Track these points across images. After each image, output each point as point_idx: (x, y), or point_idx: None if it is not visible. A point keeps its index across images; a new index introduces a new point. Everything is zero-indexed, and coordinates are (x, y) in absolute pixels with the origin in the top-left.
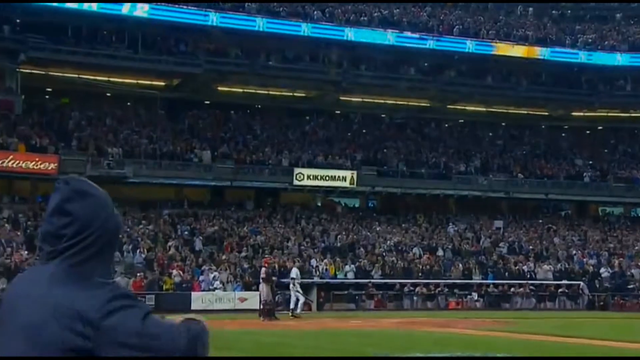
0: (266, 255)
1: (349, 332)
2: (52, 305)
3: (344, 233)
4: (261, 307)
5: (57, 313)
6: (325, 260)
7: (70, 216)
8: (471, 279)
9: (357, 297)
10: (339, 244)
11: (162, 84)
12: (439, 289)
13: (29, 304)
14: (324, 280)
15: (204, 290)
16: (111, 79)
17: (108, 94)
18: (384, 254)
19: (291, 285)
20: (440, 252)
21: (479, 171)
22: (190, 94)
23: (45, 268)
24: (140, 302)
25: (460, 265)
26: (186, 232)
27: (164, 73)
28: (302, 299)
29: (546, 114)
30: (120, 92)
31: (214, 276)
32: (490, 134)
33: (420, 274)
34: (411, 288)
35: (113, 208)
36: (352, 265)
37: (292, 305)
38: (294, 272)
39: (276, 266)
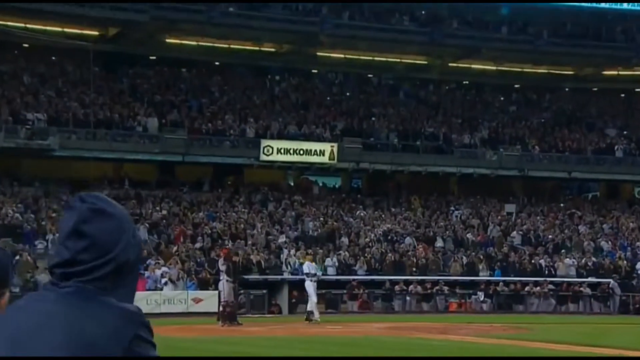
0: (226, 246)
1: (326, 340)
2: (68, 340)
3: (321, 219)
4: (220, 309)
5: (72, 346)
6: (299, 253)
7: (88, 239)
8: (477, 275)
9: (337, 298)
10: (315, 233)
11: (96, 33)
12: (437, 287)
13: (44, 337)
14: (297, 277)
15: (149, 290)
16: (29, 26)
17: (26, 45)
18: (371, 244)
19: (307, 283)
20: (439, 243)
21: (487, 144)
22: (132, 46)
23: (57, 293)
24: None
25: (464, 258)
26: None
27: (99, 20)
28: (314, 299)
29: (571, 73)
30: (42, 43)
31: (162, 272)
32: (502, 98)
33: (414, 269)
34: (403, 287)
35: (135, 229)
36: (332, 259)
37: (308, 307)
38: (308, 267)
39: (239, 259)
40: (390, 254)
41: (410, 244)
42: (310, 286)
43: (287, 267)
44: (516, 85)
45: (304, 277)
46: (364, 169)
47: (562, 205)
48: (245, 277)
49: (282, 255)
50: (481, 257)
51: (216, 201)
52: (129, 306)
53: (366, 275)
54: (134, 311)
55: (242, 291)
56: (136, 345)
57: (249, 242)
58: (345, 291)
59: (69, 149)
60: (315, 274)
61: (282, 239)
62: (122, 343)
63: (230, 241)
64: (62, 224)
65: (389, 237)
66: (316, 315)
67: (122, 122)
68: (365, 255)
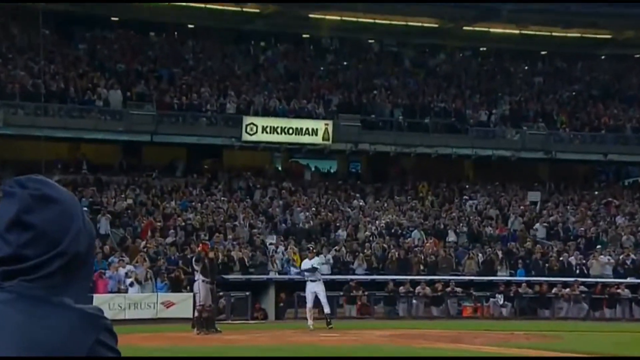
0: (203, 241)
1: (319, 350)
2: (15, 350)
3: (314, 210)
4: (196, 314)
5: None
6: (288, 249)
7: (32, 231)
8: (495, 275)
9: (332, 301)
10: (307, 226)
11: None
12: (449, 289)
13: None
14: (285, 277)
15: (111, 292)
16: None
17: None
18: (371, 239)
19: (312, 281)
20: (451, 237)
21: (508, 121)
22: (90, 6)
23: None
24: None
25: (480, 255)
26: (85, 208)
27: None
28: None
29: (608, 37)
30: None
31: (127, 271)
32: (525, 67)
33: (422, 268)
34: (409, 288)
35: (85, 215)
36: (326, 256)
37: (327, 310)
38: (317, 261)
39: (218, 256)
40: (394, 250)
41: (418, 238)
42: (307, 287)
43: (273, 266)
44: (543, 53)
45: (307, 275)
46: (363, 150)
47: (596, 193)
48: (225, 276)
49: (268, 252)
50: (500, 253)
51: (191, 188)
52: (86, 307)
53: (366, 274)
54: (93, 313)
55: (221, 293)
56: (97, 353)
57: (230, 237)
58: (341, 293)
59: (15, 127)
60: (312, 270)
61: (268, 232)
62: (80, 351)
63: (207, 235)
64: (0, 214)
65: (393, 231)
66: (308, 322)
67: (79, 95)
68: (365, 251)
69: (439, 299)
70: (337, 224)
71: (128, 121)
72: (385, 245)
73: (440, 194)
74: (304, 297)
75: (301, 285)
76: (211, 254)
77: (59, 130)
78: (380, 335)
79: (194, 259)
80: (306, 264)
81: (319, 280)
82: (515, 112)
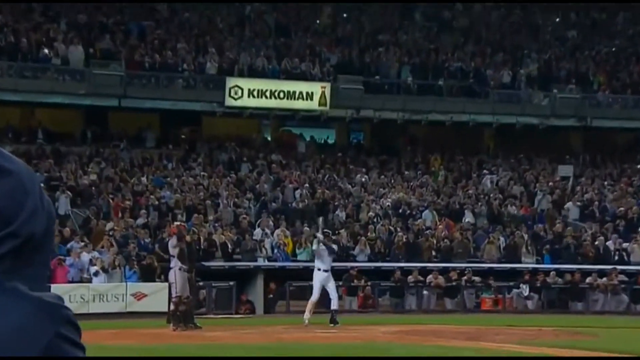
0: (180, 223)
1: (314, 348)
2: None
3: (308, 186)
4: (172, 307)
5: None
6: (278, 232)
7: None
8: (519, 262)
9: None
10: (301, 205)
11: None
12: (465, 278)
13: None
14: (275, 264)
15: (72, 282)
16: None
17: None
18: (376, 220)
19: (324, 271)
20: (468, 218)
21: (535, 83)
22: None
23: None
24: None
25: (502, 239)
26: (42, 184)
27: None
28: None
29: None
30: None
31: (91, 258)
32: (557, 19)
33: (434, 254)
34: (419, 277)
35: (42, 191)
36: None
37: (335, 305)
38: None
39: (199, 240)
40: (401, 234)
41: (430, 219)
42: (317, 276)
43: (262, 251)
44: (577, 2)
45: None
46: (366, 118)
47: (638, 166)
48: (206, 264)
49: (255, 235)
50: (525, 237)
51: (165, 162)
52: (45, 295)
53: (369, 262)
54: (53, 302)
55: (201, 283)
56: (57, 348)
57: (211, 218)
58: (340, 283)
59: None
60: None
61: (255, 213)
62: (36, 346)
63: (184, 216)
64: None
65: (400, 211)
66: (306, 314)
67: (32, 51)
68: (368, 235)
69: (454, 290)
70: (336, 204)
71: (91, 83)
72: (391, 228)
73: (456, 168)
74: (298, 288)
75: (294, 274)
76: (189, 238)
77: (8, 93)
78: (385, 331)
79: (170, 242)
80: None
81: (329, 271)
82: (545, 72)
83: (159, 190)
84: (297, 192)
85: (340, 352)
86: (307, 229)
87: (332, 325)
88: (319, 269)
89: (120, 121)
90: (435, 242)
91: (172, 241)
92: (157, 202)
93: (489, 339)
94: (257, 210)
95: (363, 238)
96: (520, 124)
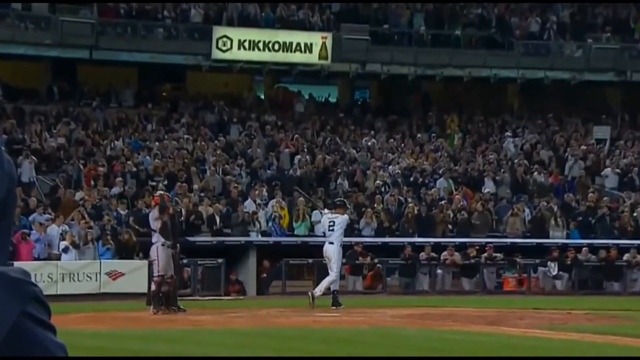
0: (161, 192)
1: (313, 335)
2: None
3: (306, 151)
4: (153, 288)
5: None
6: (273, 203)
7: None
8: (547, 237)
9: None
10: (298, 172)
11: None
12: (486, 255)
13: None
14: (270, 240)
15: (39, 259)
16: None
17: None
18: (384, 190)
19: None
20: (488, 188)
21: (567, 32)
22: None
23: None
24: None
25: (527, 211)
26: (2, 146)
27: None
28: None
29: None
30: None
31: (60, 232)
32: None
33: (450, 228)
34: (432, 254)
35: (2, 153)
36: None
37: (332, 285)
38: (342, 220)
39: (182, 212)
40: (413, 205)
41: (444, 188)
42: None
43: (254, 225)
44: None
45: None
46: (373, 73)
47: None
48: (191, 239)
49: (246, 207)
50: (554, 208)
51: (144, 122)
52: (9, 270)
53: (376, 236)
54: (18, 278)
55: (185, 261)
56: (23, 328)
57: (196, 186)
58: (344, 261)
59: None
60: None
61: (247, 181)
62: (0, 326)
63: (166, 184)
64: None
65: (412, 179)
66: (317, 290)
67: None
68: (375, 206)
69: (472, 269)
70: (338, 171)
71: (58, 31)
72: (401, 198)
73: (475, 130)
74: (294, 266)
75: (291, 249)
76: (172, 210)
77: None
78: (394, 315)
79: (151, 214)
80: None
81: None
82: (578, 19)
83: (137, 156)
84: (295, 159)
85: (343, 339)
86: (303, 199)
87: (334, 307)
88: (330, 242)
89: (92, 76)
90: (451, 214)
91: (154, 213)
92: (134, 169)
93: (511, 324)
94: (249, 179)
95: (369, 210)
96: (549, 80)
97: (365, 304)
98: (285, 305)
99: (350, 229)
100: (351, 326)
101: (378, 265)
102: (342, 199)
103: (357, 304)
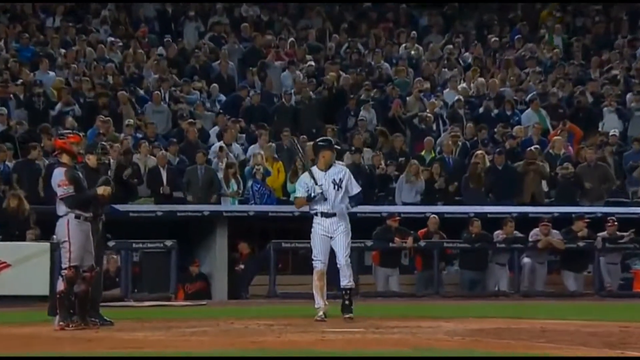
0: (68, 130)
1: None
2: None
3: (309, 65)
4: (61, 288)
5: None
6: (256, 149)
7: None
8: None
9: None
10: (294, 99)
11: None
12: (604, 234)
13: None
14: (249, 210)
15: None
16: None
17: None
18: (435, 127)
19: (326, 216)
20: (610, 123)
21: None
22: None
23: None
24: None
25: None
26: None
27: None
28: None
29: None
30: None
31: None
32: None
33: (545, 190)
34: (515, 232)
35: None
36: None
37: (346, 280)
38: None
39: (108, 162)
40: (482, 152)
41: (536, 125)
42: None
43: (226, 186)
44: None
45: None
46: None
47: None
48: (123, 208)
49: (212, 154)
50: None
51: (42, 16)
52: None
53: (422, 204)
54: None
55: (113, 243)
56: None
57: (130, 121)
58: (370, 243)
59: None
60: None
61: (211, 114)
62: None
63: (80, 118)
64: None
65: (482, 110)
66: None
67: None
68: (422, 154)
69: (581, 257)
70: (362, 96)
71: None
72: (465, 142)
73: (588, 29)
74: (294, 249)
75: (283, 226)
76: (93, 159)
77: None
78: (453, 331)
79: (55, 171)
80: (319, 177)
81: (340, 216)
82: None
83: (29, 71)
84: (290, 75)
85: None
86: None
87: (346, 316)
88: (327, 215)
89: None
90: (546, 167)
91: (59, 169)
92: (26, 93)
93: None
94: (216, 110)
95: (413, 161)
96: None
97: (405, 312)
98: (274, 314)
99: (378, 192)
100: (381, 348)
101: (426, 249)
102: (328, 137)
103: (392, 311)
